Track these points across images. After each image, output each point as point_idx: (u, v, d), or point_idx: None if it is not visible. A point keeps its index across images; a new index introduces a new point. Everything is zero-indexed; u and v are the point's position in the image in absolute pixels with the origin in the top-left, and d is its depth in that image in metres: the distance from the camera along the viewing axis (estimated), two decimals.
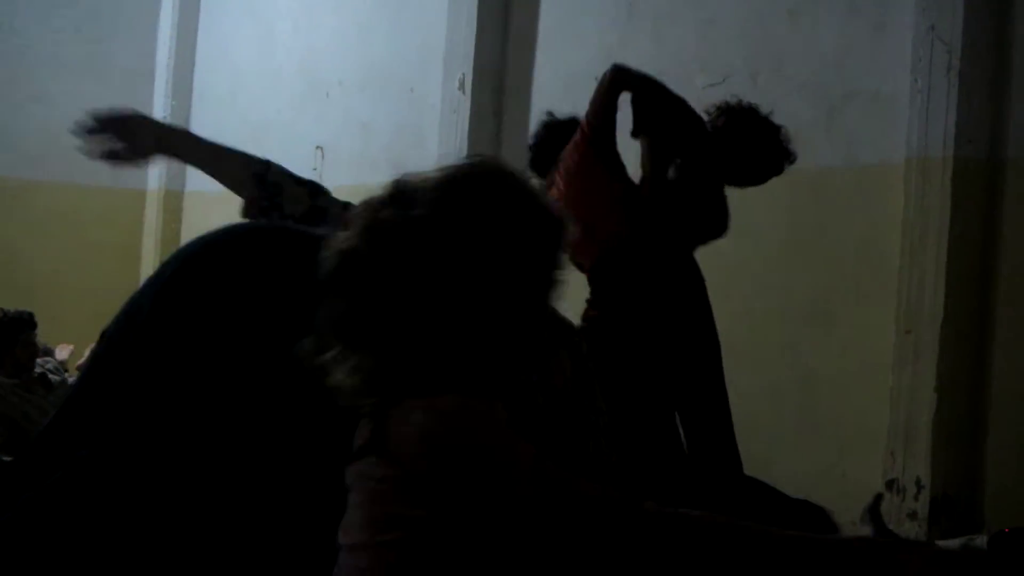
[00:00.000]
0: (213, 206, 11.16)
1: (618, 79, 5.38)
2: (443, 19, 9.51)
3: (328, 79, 10.56)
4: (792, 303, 6.98)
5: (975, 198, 6.34)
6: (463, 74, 9.15)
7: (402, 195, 2.14)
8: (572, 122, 5.81)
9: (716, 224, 5.50)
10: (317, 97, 10.66)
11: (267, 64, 11.25)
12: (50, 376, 8.05)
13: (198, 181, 11.70)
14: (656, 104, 5.60)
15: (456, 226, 2.08)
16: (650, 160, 5.74)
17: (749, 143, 5.59)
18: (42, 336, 8.82)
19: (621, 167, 5.44)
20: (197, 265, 2.68)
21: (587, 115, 5.35)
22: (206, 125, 11.75)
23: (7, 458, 5.72)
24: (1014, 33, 6.36)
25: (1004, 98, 6.42)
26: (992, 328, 6.30)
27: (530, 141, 6.31)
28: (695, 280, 5.41)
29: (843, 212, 6.89)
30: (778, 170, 5.84)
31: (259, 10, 11.57)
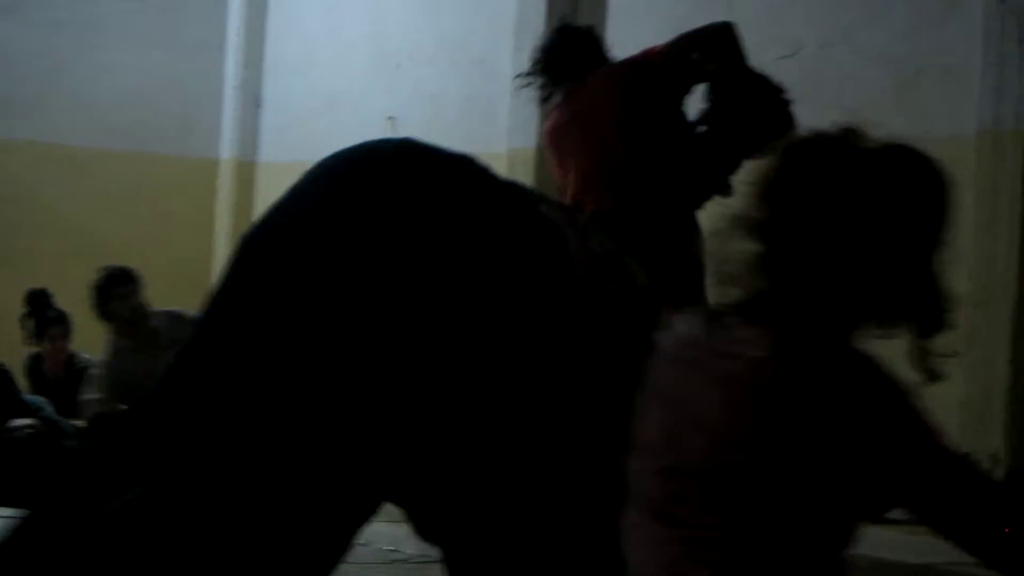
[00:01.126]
0: (288, 176, 11.29)
1: (716, 36, 5.03)
2: None
3: (398, 50, 10.57)
4: None
5: None
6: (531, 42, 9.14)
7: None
8: (588, 33, 5.57)
9: (713, 186, 5.30)
10: (387, 68, 10.65)
11: (338, 35, 11.25)
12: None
13: (272, 151, 11.81)
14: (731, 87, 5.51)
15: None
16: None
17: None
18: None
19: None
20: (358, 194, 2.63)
21: (663, 46, 4.96)
22: (277, 96, 11.89)
23: None
24: None
25: None
26: None
27: (541, 44, 5.77)
28: (685, 243, 5.20)
29: None
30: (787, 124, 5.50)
31: None
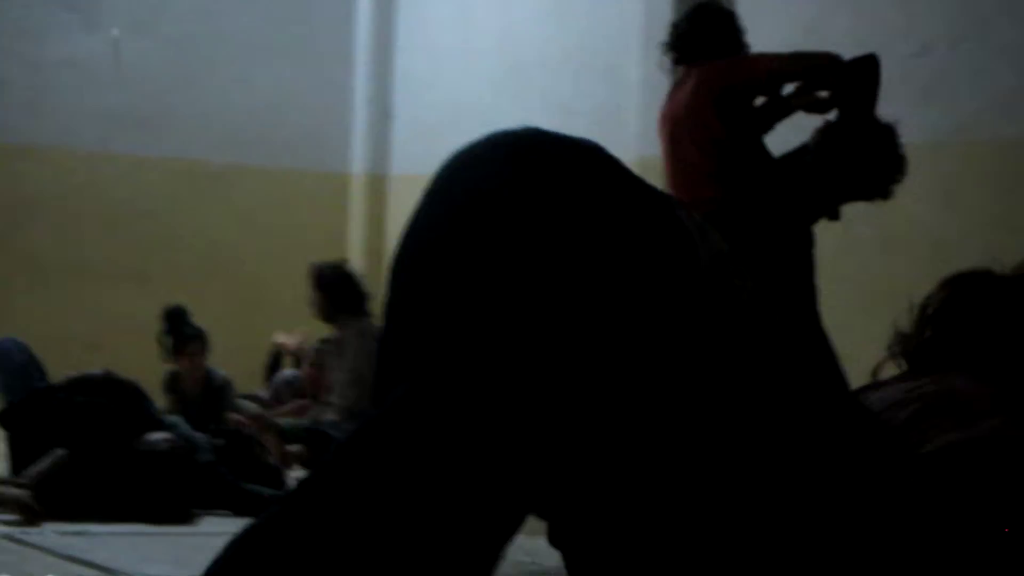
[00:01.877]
0: (420, 188, 11.34)
1: (833, 70, 5.08)
2: None
3: (526, 59, 10.59)
4: None
5: None
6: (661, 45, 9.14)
7: None
8: (723, 14, 5.69)
9: (822, 209, 5.23)
10: (516, 78, 10.65)
11: (466, 45, 11.29)
12: None
13: (404, 163, 11.86)
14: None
15: None
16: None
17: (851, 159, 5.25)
18: (247, 321, 9.09)
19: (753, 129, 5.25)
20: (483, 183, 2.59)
21: (774, 62, 5.15)
22: (406, 108, 11.96)
23: None
24: None
25: None
26: None
27: (676, 24, 6.03)
28: (793, 257, 5.14)
29: None
30: (891, 178, 5.52)
31: None
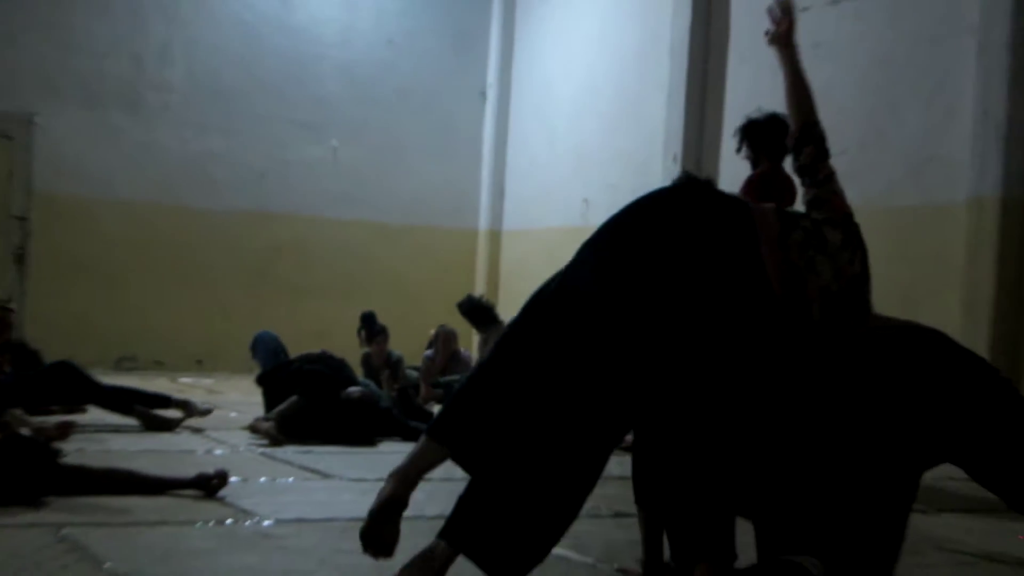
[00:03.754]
0: (521, 238, 11.32)
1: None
2: (663, 104, 9.37)
3: (591, 154, 10.33)
4: None
5: None
6: (675, 152, 8.96)
7: None
8: (775, 121, 3.88)
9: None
10: (583, 169, 10.36)
11: (550, 149, 11.02)
12: None
13: (511, 223, 11.75)
14: None
15: None
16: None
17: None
18: (410, 321, 9.08)
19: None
20: (635, 225, 2.55)
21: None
22: (514, 188, 11.78)
23: None
24: None
25: None
26: None
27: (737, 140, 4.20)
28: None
29: None
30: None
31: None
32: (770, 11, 2.95)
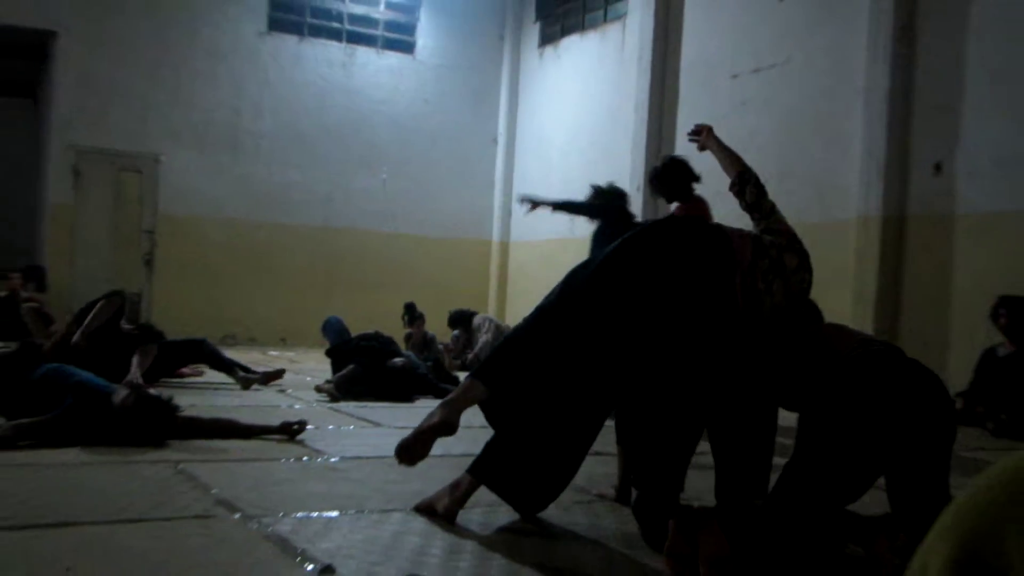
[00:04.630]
0: (524, 247, 11.28)
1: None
2: (629, 147, 9.32)
3: (578, 184, 10.27)
4: None
5: None
6: (638, 183, 8.91)
7: None
8: (673, 163, 4.23)
9: None
10: (578, 192, 10.32)
11: (546, 179, 10.84)
12: None
13: (518, 235, 11.65)
14: None
15: None
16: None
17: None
18: (438, 308, 9.08)
19: None
20: (633, 243, 2.57)
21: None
22: (519, 207, 11.76)
23: None
24: None
25: None
26: None
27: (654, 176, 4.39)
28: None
29: None
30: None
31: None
32: (690, 135, 3.00)
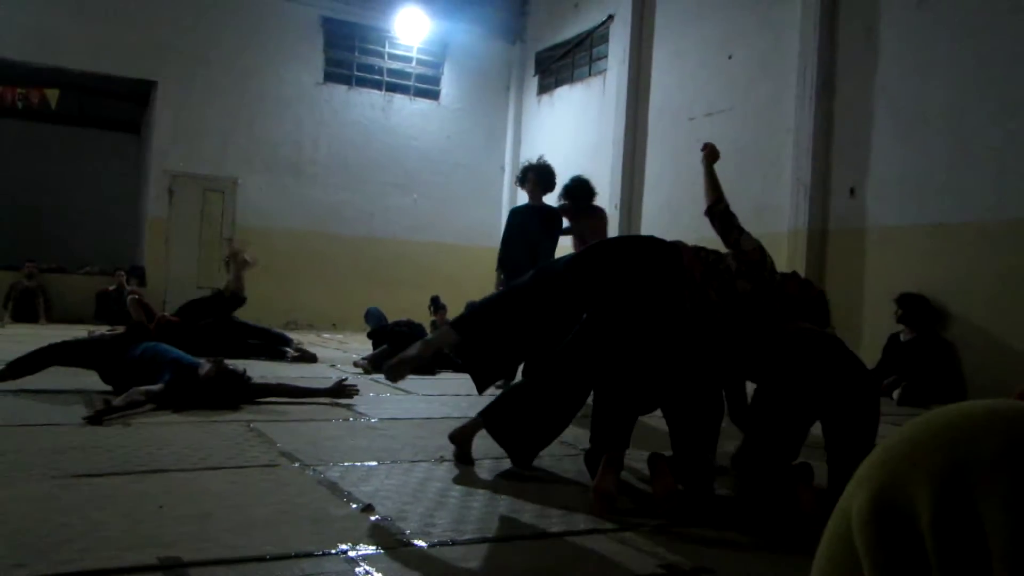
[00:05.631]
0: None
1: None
2: (609, 173, 9.20)
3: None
4: None
5: None
6: (616, 202, 8.87)
7: None
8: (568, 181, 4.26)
9: None
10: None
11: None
12: None
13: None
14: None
15: None
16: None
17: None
18: (456, 299, 9.01)
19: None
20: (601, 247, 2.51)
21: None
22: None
23: None
24: None
25: None
26: None
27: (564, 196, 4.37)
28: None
29: None
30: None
31: None
32: (704, 146, 2.90)
